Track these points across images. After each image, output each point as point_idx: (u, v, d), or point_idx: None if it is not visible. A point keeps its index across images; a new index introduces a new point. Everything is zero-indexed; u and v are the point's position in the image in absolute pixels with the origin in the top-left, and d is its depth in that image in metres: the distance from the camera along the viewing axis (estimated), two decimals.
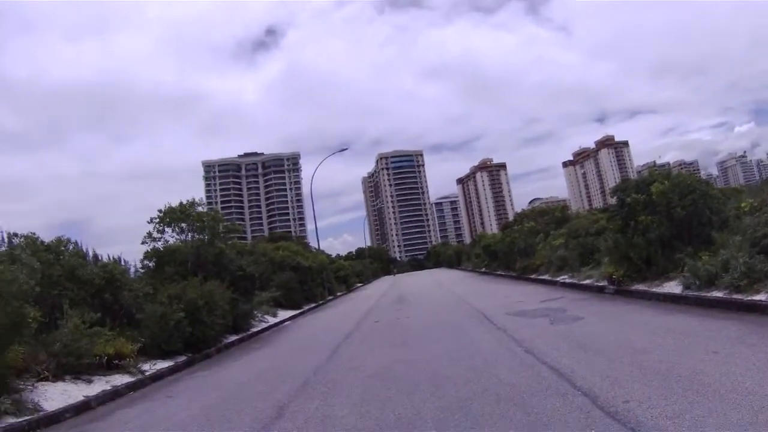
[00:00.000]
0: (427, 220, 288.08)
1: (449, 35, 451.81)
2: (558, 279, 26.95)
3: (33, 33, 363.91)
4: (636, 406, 6.32)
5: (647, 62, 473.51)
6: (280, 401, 9.64)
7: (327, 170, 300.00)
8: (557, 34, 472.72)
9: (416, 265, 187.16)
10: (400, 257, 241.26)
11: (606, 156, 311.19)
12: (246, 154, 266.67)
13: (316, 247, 69.44)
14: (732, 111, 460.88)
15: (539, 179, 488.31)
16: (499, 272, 46.58)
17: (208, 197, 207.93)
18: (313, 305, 41.12)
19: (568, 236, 30.50)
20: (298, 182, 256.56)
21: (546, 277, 30.06)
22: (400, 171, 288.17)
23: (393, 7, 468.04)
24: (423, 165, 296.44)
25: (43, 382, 12.25)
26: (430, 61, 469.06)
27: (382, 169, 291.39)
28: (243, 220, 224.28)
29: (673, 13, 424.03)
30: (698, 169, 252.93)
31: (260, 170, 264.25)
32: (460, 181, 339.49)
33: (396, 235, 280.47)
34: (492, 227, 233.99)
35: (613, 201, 21.55)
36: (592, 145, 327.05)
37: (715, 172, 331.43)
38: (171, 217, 25.01)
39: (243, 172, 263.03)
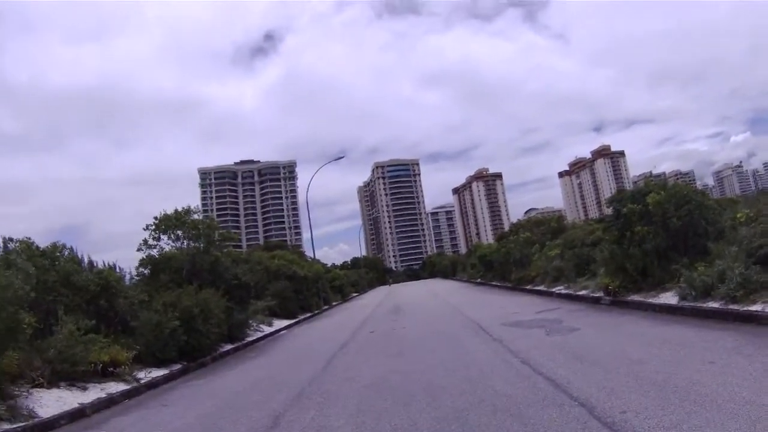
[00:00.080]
0: (423, 229, 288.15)
1: (448, 42, 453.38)
2: (554, 290, 26.89)
3: (33, 36, 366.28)
4: (633, 417, 6.31)
5: (645, 70, 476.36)
6: (275, 411, 9.61)
7: (323, 178, 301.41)
8: (555, 42, 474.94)
9: (411, 275, 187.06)
10: (395, 267, 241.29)
11: (602, 166, 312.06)
12: (242, 162, 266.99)
13: (312, 256, 69.64)
14: (728, 120, 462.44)
15: (535, 189, 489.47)
16: (494, 283, 46.45)
17: (204, 204, 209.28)
18: (308, 315, 41.07)
19: (564, 247, 30.49)
20: (294, 190, 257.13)
21: (542, 287, 29.94)
22: (396, 180, 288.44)
23: (391, 13, 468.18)
24: (419, 174, 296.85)
25: (38, 389, 12.23)
26: (428, 68, 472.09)
27: (378, 178, 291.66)
28: (238, 228, 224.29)
29: (670, 21, 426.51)
30: (694, 180, 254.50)
31: (256, 178, 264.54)
32: (455, 190, 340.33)
33: (392, 244, 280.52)
34: (488, 237, 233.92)
35: (608, 211, 21.53)
36: (589, 155, 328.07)
37: (711, 182, 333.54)
38: (166, 224, 24.98)
39: (239, 179, 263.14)
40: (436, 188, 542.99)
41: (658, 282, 16.90)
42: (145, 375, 15.53)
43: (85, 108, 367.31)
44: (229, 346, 22.20)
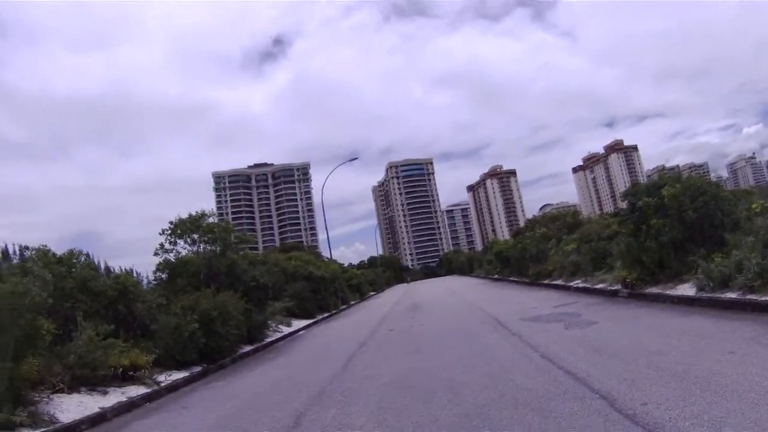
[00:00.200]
0: (439, 227, 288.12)
1: (456, 43, 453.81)
2: (571, 284, 26.85)
3: (38, 45, 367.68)
4: (654, 408, 6.30)
5: (654, 65, 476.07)
6: (296, 410, 9.61)
7: (337, 179, 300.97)
8: (563, 40, 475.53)
9: (428, 272, 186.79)
10: (412, 265, 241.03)
11: (616, 161, 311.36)
12: (256, 165, 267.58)
13: (328, 256, 69.52)
14: (740, 113, 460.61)
15: (549, 185, 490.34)
16: (511, 278, 46.32)
17: (218, 208, 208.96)
18: (326, 314, 41.11)
19: (580, 241, 30.40)
20: (308, 192, 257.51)
21: (559, 282, 29.93)
22: (410, 179, 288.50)
23: (399, 15, 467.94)
24: (433, 173, 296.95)
25: (59, 394, 12.27)
26: (437, 69, 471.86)
27: (392, 177, 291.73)
28: (254, 230, 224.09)
29: (678, 15, 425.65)
30: (708, 172, 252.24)
31: (270, 181, 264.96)
32: (470, 188, 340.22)
33: (408, 243, 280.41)
34: (503, 234, 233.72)
35: (624, 205, 21.49)
36: (602, 151, 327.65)
37: (724, 174, 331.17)
38: (182, 228, 25.05)
39: (253, 182, 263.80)
40: (450, 186, 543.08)
41: (675, 274, 16.86)
42: (165, 378, 15.57)
43: (91, 116, 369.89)
44: (248, 348, 22.23)
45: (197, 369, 17.39)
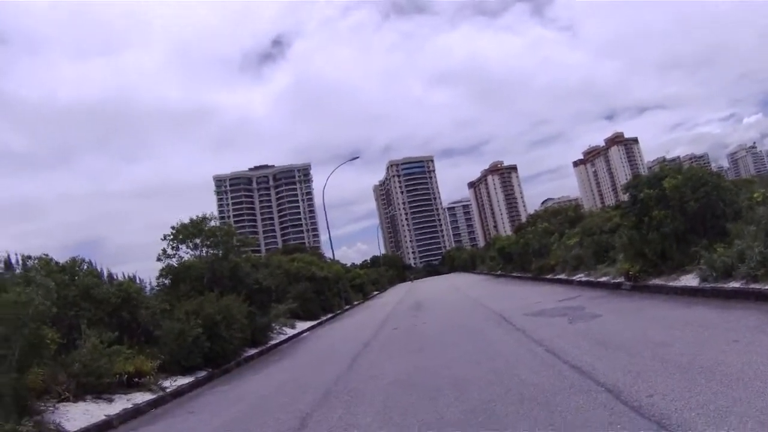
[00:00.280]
0: (440, 225, 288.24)
1: (455, 40, 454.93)
2: (574, 278, 26.84)
3: (39, 54, 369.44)
4: (660, 400, 6.30)
5: (654, 57, 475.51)
6: (302, 412, 9.63)
7: (338, 179, 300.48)
8: (563, 35, 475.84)
9: (431, 270, 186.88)
10: (414, 263, 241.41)
11: (616, 153, 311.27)
12: (257, 167, 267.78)
13: (331, 257, 69.63)
14: (740, 103, 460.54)
15: (550, 179, 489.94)
16: (514, 274, 46.38)
17: (220, 211, 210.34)
18: (330, 315, 41.10)
19: (583, 235, 30.45)
20: (309, 193, 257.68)
21: (562, 276, 29.94)
22: (412, 177, 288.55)
23: (398, 14, 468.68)
24: (434, 170, 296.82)
25: (64, 403, 12.27)
26: (437, 67, 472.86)
27: (393, 176, 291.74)
28: (256, 232, 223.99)
29: (677, 6, 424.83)
30: (709, 162, 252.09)
31: (271, 182, 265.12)
32: (471, 184, 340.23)
33: (410, 241, 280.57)
34: (505, 229, 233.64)
35: (625, 198, 21.46)
36: (602, 143, 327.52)
37: (725, 164, 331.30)
38: (184, 233, 25.06)
39: (254, 185, 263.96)
40: (451, 183, 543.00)
41: (678, 265, 16.85)
42: (171, 383, 15.58)
43: (93, 123, 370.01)
44: (253, 351, 22.20)
45: (202, 374, 17.39)
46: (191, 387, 16.00)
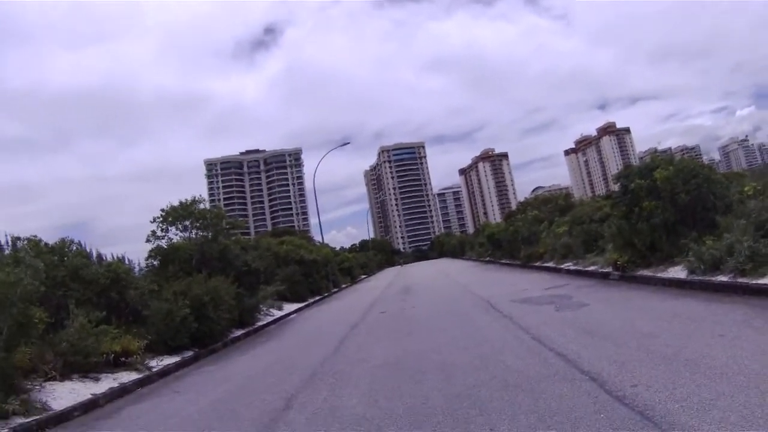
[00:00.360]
0: (430, 211, 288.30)
1: (449, 27, 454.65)
2: (562, 266, 26.94)
3: (34, 42, 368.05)
4: (644, 390, 6.33)
5: (647, 47, 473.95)
6: (288, 393, 9.67)
7: (329, 164, 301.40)
8: (557, 23, 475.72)
9: (420, 255, 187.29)
10: (403, 248, 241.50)
11: (608, 143, 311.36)
12: (248, 152, 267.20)
13: (320, 240, 69.67)
14: (733, 95, 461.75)
15: (541, 168, 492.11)
16: (503, 261, 46.47)
17: (210, 195, 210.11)
18: (318, 298, 41.32)
19: (572, 223, 30.49)
20: (300, 177, 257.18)
21: (550, 264, 30.04)
22: (402, 163, 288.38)
23: (391, 1, 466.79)
24: (425, 157, 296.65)
25: (51, 382, 12.26)
26: (431, 54, 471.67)
27: (384, 161, 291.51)
28: (246, 216, 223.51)
29: None
30: (700, 154, 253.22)
31: (262, 167, 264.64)
32: (462, 171, 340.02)
33: (399, 226, 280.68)
34: (495, 217, 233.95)
35: (616, 187, 21.49)
36: (594, 133, 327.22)
37: (717, 156, 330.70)
38: (173, 215, 25.04)
39: (245, 169, 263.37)
40: (443, 170, 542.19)
41: (667, 256, 16.89)
42: (157, 363, 15.60)
43: (89, 109, 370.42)
44: (240, 332, 22.30)
45: (189, 354, 17.42)
46: (178, 367, 16.01)
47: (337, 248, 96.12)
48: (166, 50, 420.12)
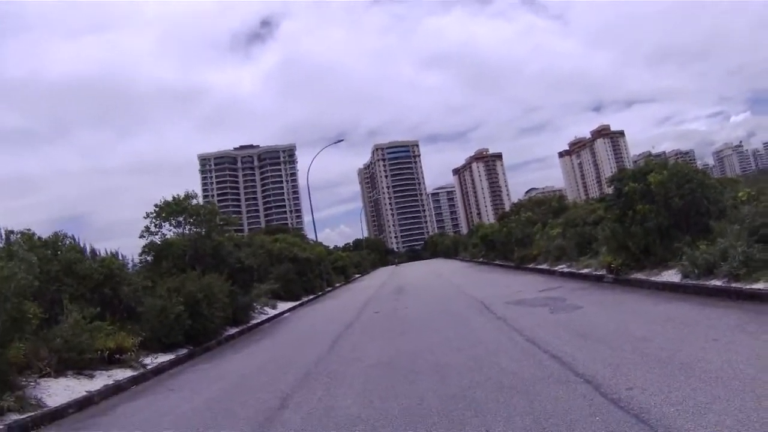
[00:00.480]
0: (424, 210, 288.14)
1: (447, 24, 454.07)
2: (556, 268, 26.94)
3: (32, 32, 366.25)
4: (639, 393, 6.37)
5: (646, 49, 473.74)
6: (283, 392, 9.69)
7: (323, 161, 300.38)
8: (554, 23, 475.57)
9: (413, 255, 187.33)
10: (397, 248, 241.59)
11: (602, 145, 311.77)
12: (242, 147, 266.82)
13: (314, 238, 69.60)
14: (728, 101, 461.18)
15: (535, 169, 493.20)
16: (497, 262, 46.46)
17: (204, 190, 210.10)
18: (312, 296, 41.25)
19: (566, 226, 30.45)
20: (294, 174, 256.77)
21: (544, 266, 30.00)
22: (396, 162, 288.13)
23: None
24: (419, 155, 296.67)
25: (46, 378, 12.26)
26: (428, 50, 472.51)
27: (378, 160, 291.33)
28: (240, 212, 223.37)
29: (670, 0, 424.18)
30: (694, 159, 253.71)
31: (256, 163, 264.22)
32: (456, 171, 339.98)
33: (393, 225, 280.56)
34: (489, 217, 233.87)
35: (609, 190, 21.53)
36: (588, 135, 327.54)
37: (711, 162, 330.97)
38: (167, 211, 25.03)
39: (239, 164, 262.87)
40: (437, 169, 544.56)
41: (661, 260, 16.91)
42: (152, 361, 15.57)
43: (86, 100, 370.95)
44: (234, 330, 22.25)
45: (183, 351, 17.42)
46: (172, 364, 16.00)
47: (331, 247, 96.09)
48: (164, 41, 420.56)
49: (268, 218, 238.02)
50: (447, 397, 7.61)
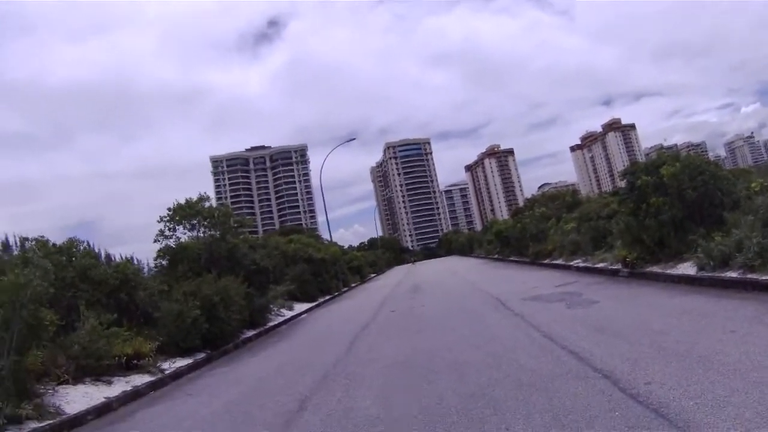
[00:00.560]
0: (438, 208, 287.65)
1: (451, 21, 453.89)
2: (571, 263, 26.90)
3: (34, 35, 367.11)
4: (657, 388, 6.35)
5: (651, 45, 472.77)
6: (301, 394, 9.69)
7: (335, 161, 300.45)
8: (560, 19, 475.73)
9: (428, 253, 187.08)
10: (412, 246, 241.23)
11: (613, 139, 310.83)
12: (253, 148, 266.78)
13: (328, 238, 69.58)
14: (738, 92, 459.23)
15: (547, 164, 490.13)
16: (511, 258, 46.31)
17: (217, 192, 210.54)
18: (328, 297, 41.19)
19: (580, 220, 30.41)
20: (306, 174, 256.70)
21: (559, 261, 29.98)
22: (408, 159, 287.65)
23: None
24: (431, 153, 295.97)
25: (64, 386, 12.30)
26: (434, 48, 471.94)
27: (390, 158, 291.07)
28: (253, 214, 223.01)
29: None
30: (706, 151, 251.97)
31: (268, 163, 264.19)
32: (468, 168, 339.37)
33: (407, 224, 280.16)
34: (502, 213, 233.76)
35: (622, 184, 21.49)
36: (599, 129, 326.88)
37: (723, 153, 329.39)
38: (180, 214, 25.04)
39: (251, 166, 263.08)
40: (449, 166, 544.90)
41: (676, 253, 16.86)
42: (170, 365, 15.60)
43: (90, 103, 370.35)
44: (251, 332, 22.25)
45: (201, 355, 17.42)
46: (190, 369, 16.02)
47: (346, 246, 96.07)
48: (168, 43, 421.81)
49: (282, 219, 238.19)
50: (466, 395, 7.60)
